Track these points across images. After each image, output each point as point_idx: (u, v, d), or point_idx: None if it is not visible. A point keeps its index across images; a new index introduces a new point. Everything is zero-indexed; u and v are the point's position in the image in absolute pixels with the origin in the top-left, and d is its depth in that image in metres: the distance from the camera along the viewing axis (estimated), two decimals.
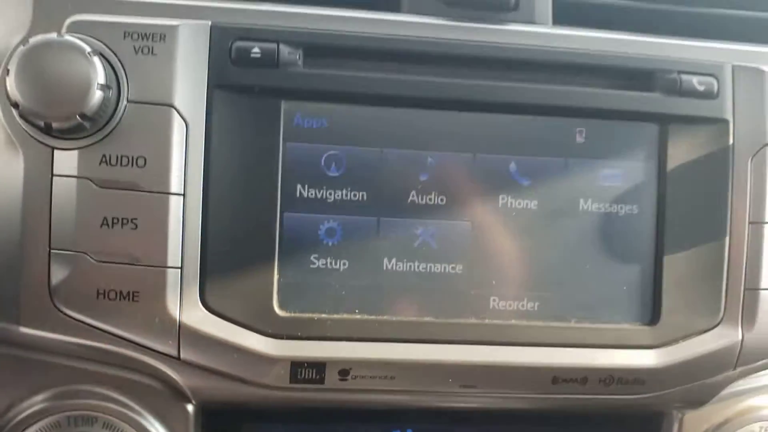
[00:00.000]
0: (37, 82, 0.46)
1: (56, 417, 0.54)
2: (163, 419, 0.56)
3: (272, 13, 0.53)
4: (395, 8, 0.56)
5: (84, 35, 0.49)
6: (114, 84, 0.49)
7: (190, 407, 0.56)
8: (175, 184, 0.50)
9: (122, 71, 0.50)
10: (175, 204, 0.50)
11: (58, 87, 0.47)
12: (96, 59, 0.47)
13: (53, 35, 0.48)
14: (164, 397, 0.56)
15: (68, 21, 0.50)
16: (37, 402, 0.55)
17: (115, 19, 0.50)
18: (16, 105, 0.47)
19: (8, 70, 0.47)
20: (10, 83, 0.47)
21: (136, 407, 0.55)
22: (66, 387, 0.56)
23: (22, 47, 0.47)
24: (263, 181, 0.52)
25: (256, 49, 0.51)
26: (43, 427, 0.54)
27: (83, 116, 0.47)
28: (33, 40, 0.47)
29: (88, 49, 0.47)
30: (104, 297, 0.50)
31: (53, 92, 0.47)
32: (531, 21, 0.57)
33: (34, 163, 0.50)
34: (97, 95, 0.47)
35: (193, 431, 0.58)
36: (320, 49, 0.53)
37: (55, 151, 0.50)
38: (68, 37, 0.47)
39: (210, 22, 0.51)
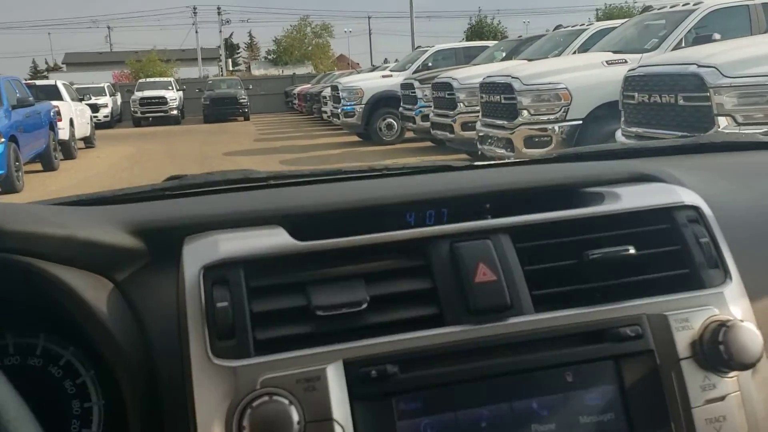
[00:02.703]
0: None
1: None
2: None
3: (378, 344, 0.84)
4: (440, 324, 0.87)
5: (276, 387, 0.79)
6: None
7: None
8: None
9: (299, 404, 0.79)
10: None
11: None
12: (293, 407, 0.77)
13: (266, 397, 0.77)
14: None
15: (261, 379, 0.79)
16: None
17: (289, 372, 0.81)
18: None
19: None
20: None
21: None
22: None
23: (250, 409, 0.77)
24: None
25: (373, 372, 0.82)
26: None
27: None
28: (257, 402, 0.77)
29: (287, 401, 0.78)
30: None
31: None
32: (521, 313, 0.89)
33: None
34: (296, 427, 0.77)
35: None
36: (408, 363, 0.84)
37: None
38: (277, 398, 0.77)
39: (342, 360, 0.82)
